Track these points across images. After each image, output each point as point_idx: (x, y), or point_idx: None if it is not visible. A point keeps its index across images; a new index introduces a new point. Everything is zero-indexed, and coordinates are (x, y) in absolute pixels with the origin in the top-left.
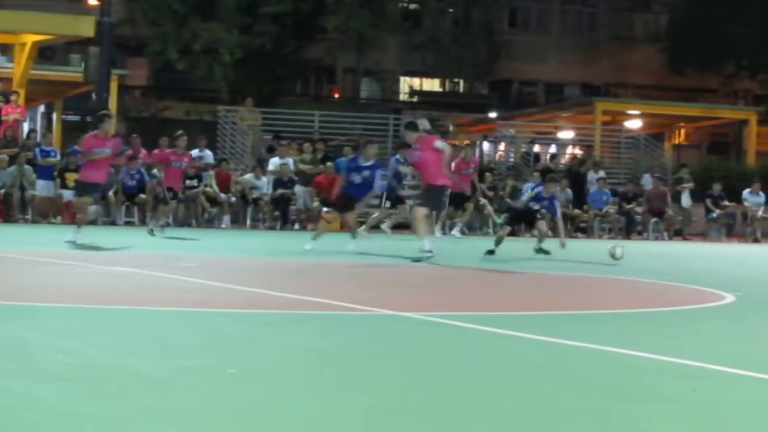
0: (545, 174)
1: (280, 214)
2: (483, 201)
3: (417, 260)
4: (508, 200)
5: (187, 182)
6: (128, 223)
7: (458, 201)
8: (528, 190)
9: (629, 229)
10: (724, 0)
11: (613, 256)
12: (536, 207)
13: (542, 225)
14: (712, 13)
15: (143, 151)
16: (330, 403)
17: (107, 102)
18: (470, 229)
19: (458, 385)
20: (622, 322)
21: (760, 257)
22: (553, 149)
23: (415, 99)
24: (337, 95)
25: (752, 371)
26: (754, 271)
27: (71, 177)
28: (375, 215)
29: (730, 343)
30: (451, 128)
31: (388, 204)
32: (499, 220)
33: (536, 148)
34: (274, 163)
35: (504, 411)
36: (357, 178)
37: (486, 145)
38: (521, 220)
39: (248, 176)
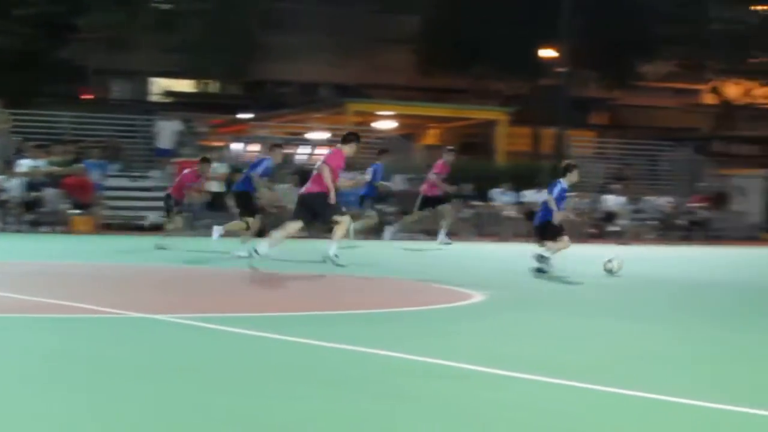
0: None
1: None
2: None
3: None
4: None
5: None
6: None
7: (433, 203)
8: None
9: (380, 228)
10: (473, 3)
11: (610, 270)
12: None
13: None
14: (461, 15)
15: None
16: (67, 406)
17: None
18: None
19: (207, 387)
20: (373, 322)
21: (508, 256)
22: (306, 150)
23: (168, 100)
24: (88, 96)
25: (501, 369)
26: (503, 269)
27: None
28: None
29: (478, 342)
30: (203, 129)
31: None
32: None
33: (289, 149)
34: (25, 164)
35: (254, 412)
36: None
37: (238, 146)
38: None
39: None
